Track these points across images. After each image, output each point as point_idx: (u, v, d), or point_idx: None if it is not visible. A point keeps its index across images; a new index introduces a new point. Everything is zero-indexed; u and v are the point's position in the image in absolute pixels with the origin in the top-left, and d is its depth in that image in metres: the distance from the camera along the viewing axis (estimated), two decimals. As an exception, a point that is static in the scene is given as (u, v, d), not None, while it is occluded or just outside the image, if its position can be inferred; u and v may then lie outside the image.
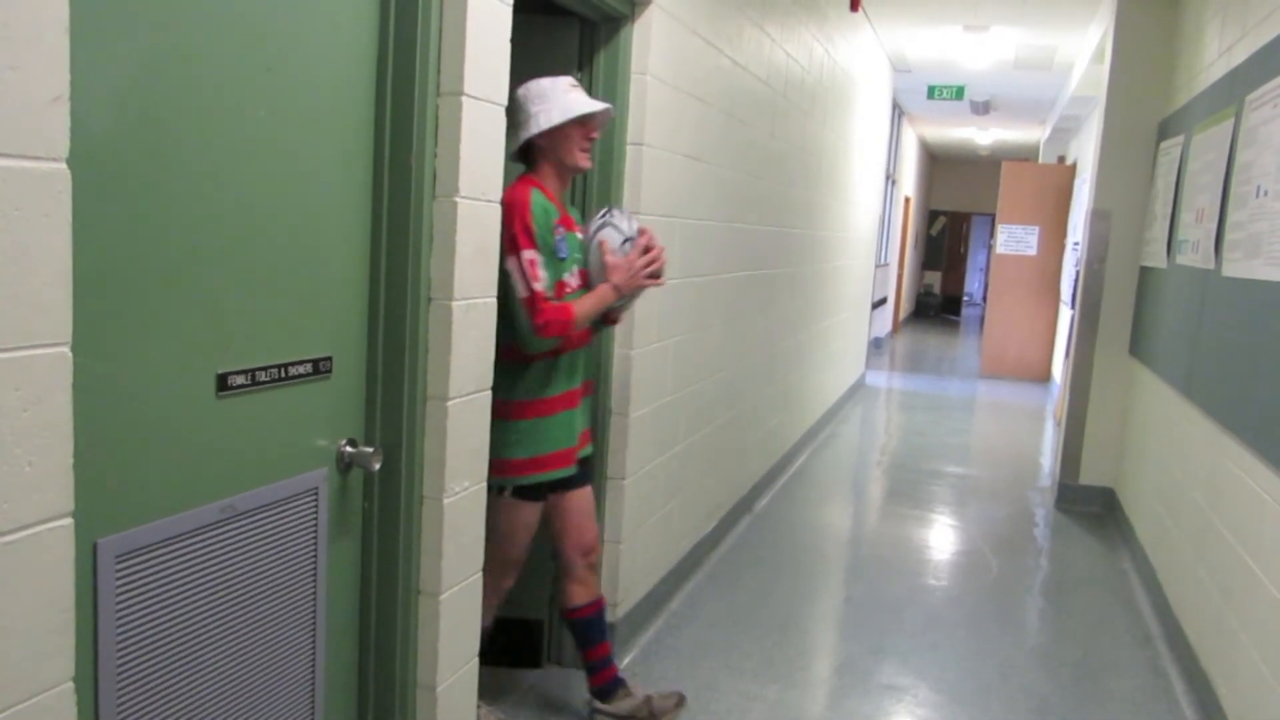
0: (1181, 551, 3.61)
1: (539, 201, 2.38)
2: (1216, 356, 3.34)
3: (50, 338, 1.18)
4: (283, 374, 1.70)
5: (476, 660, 2.26)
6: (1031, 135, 13.76)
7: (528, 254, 2.33)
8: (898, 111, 11.61)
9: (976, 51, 8.13)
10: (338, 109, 1.77)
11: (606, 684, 2.75)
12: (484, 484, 2.20)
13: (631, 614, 3.31)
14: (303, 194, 1.71)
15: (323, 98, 1.73)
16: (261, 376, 1.65)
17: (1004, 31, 7.39)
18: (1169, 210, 4.37)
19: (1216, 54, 3.86)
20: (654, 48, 2.94)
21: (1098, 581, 4.33)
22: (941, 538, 4.85)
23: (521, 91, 2.39)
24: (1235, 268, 3.14)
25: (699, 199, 3.56)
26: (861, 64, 7.16)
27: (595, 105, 2.41)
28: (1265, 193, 2.88)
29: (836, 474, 6.04)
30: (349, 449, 1.89)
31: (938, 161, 19.13)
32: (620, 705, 2.75)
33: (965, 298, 20.03)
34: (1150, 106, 5.07)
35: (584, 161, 2.47)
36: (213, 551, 1.59)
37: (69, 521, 1.23)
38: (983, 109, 11.17)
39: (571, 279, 2.48)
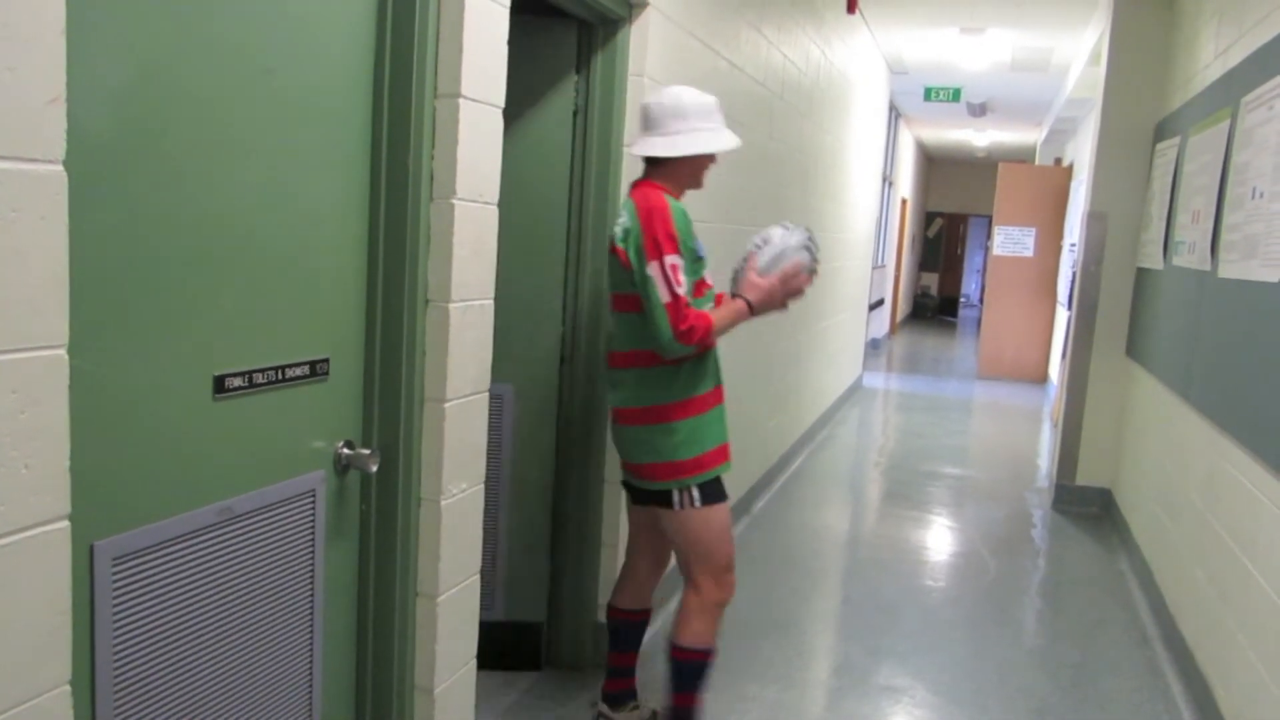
0: (1178, 552, 3.62)
1: (677, 206, 2.38)
2: (1213, 357, 3.35)
3: (47, 340, 1.18)
4: (280, 376, 1.70)
5: (474, 662, 2.26)
6: (1028, 137, 13.78)
7: (670, 259, 2.30)
8: (894, 113, 11.63)
9: (973, 53, 8.14)
10: (335, 111, 1.77)
11: (621, 692, 2.76)
12: (481, 486, 2.20)
13: (629, 616, 3.30)
14: (300, 195, 1.71)
15: (320, 100, 1.73)
16: (259, 378, 1.65)
17: (1000, 33, 7.41)
18: (1165, 212, 4.38)
19: (1212, 56, 3.87)
20: (651, 50, 2.95)
21: (1095, 582, 4.33)
22: (939, 539, 4.85)
23: (689, 98, 2.40)
24: (1231, 269, 3.15)
25: (696, 200, 3.55)
26: (858, 66, 7.17)
27: (738, 141, 2.49)
28: (1261, 194, 2.89)
29: (834, 475, 6.04)
30: (346, 451, 1.89)
31: (934, 163, 19.14)
32: (627, 717, 2.76)
33: (962, 299, 20.06)
34: (1146, 108, 5.07)
35: (704, 182, 2.54)
36: (210, 554, 1.58)
37: (66, 524, 1.23)
38: (979, 111, 11.19)
39: (710, 278, 2.52)
